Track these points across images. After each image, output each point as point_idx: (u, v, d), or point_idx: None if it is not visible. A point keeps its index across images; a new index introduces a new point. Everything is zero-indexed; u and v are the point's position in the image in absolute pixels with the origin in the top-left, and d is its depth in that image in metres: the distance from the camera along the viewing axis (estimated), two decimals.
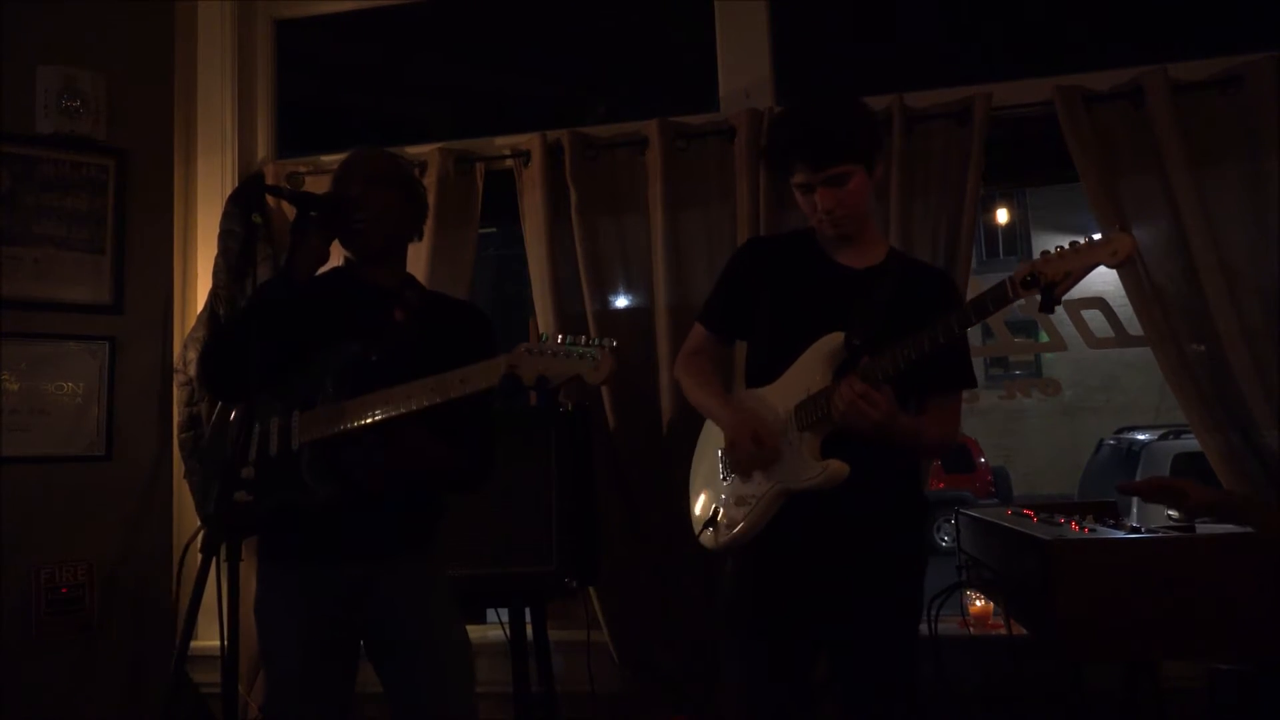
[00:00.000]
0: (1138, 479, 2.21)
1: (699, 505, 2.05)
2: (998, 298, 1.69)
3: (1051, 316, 2.87)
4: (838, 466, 1.81)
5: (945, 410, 1.96)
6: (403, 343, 1.92)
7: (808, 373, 1.89)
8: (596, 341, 1.68)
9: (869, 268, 1.97)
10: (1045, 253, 1.65)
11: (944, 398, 1.96)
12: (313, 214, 1.85)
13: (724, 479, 1.98)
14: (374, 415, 1.79)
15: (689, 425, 2.20)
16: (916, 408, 1.93)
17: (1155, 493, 1.95)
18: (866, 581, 1.88)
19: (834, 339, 1.87)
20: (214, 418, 2.03)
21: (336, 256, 2.01)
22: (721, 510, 1.95)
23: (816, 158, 1.86)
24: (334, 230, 1.91)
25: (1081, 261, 1.62)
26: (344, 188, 1.95)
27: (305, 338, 1.89)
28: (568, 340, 1.69)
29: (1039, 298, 1.65)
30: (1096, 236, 1.66)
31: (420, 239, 2.14)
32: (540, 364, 1.68)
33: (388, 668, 1.95)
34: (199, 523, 3.05)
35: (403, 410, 1.77)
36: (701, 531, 1.98)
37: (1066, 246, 1.64)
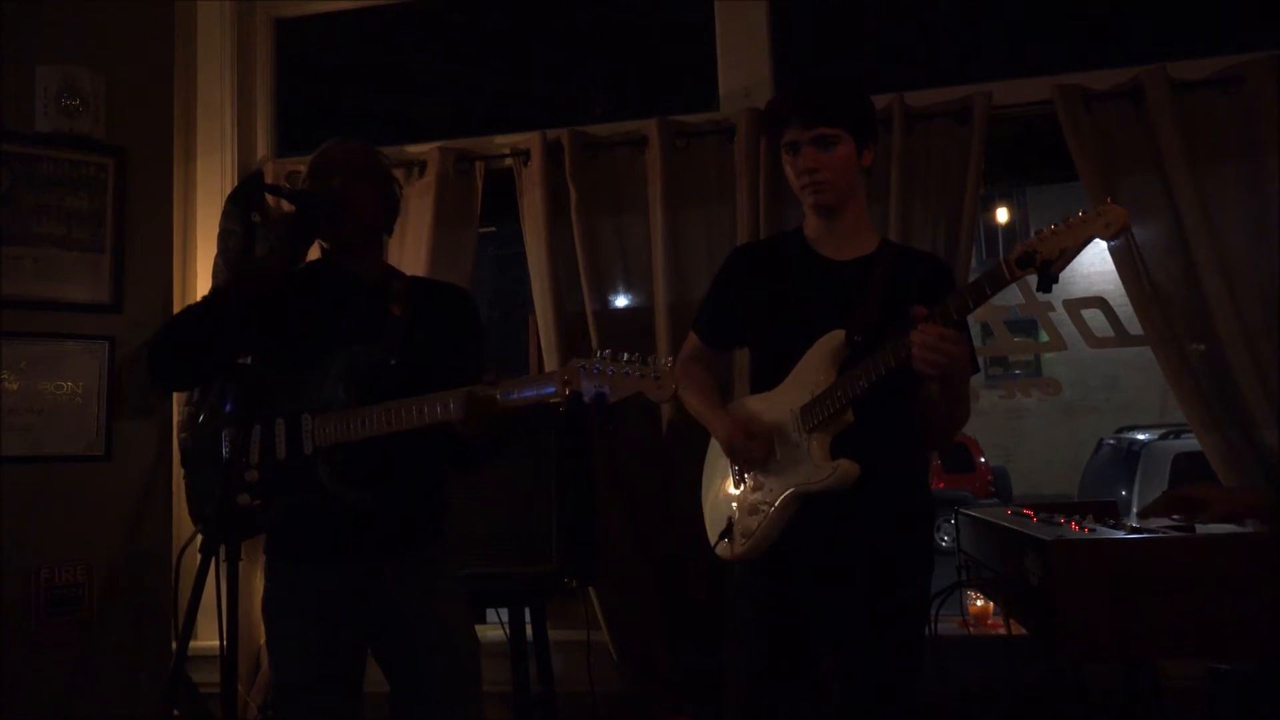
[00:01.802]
0: (1137, 482, 2.20)
1: (712, 518, 2.04)
2: (995, 280, 1.67)
3: (1052, 316, 2.90)
4: (848, 466, 1.80)
5: None
6: (410, 341, 1.91)
7: (811, 373, 1.88)
8: (653, 360, 1.66)
9: (858, 258, 1.96)
10: (1039, 231, 1.63)
11: None
12: (312, 213, 1.84)
13: (735, 489, 1.97)
14: (407, 420, 1.76)
15: (689, 425, 2.20)
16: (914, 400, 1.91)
17: (1173, 507, 1.93)
18: (871, 582, 1.87)
19: (835, 337, 1.86)
20: (200, 418, 1.99)
21: (316, 250, 1.99)
22: (736, 521, 1.94)
23: (807, 113, 1.89)
24: (316, 228, 1.89)
25: (1076, 236, 1.59)
26: (324, 180, 1.91)
27: (296, 334, 1.87)
28: (623, 355, 1.67)
29: (1035, 277, 1.62)
30: (1087, 211, 1.62)
31: (391, 234, 2.12)
32: (598, 381, 1.66)
33: (395, 667, 1.94)
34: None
35: (441, 417, 1.74)
36: (717, 544, 1.97)
37: (1060, 224, 1.61)
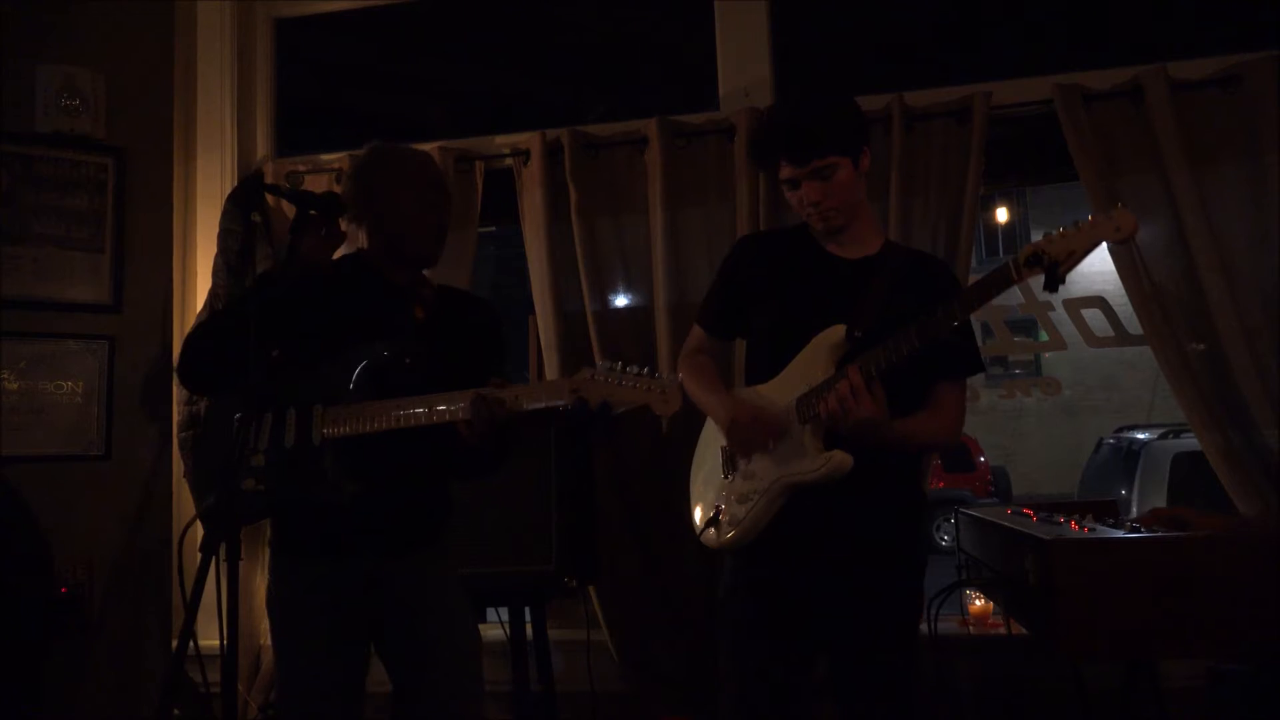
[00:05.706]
0: (1137, 482, 2.21)
1: (700, 505, 2.03)
2: (1001, 280, 1.68)
3: (1051, 316, 2.90)
4: (841, 457, 1.80)
5: (948, 400, 1.92)
6: (428, 343, 1.92)
7: (809, 366, 1.87)
8: (660, 374, 1.69)
9: (864, 258, 1.96)
10: (1049, 233, 1.64)
11: (949, 385, 1.92)
12: (312, 212, 1.85)
13: (725, 477, 1.96)
14: (415, 417, 1.79)
15: (689, 424, 2.19)
16: (921, 397, 1.91)
17: (1156, 525, 1.95)
18: (865, 580, 1.87)
19: (835, 332, 1.86)
20: (209, 407, 2.01)
21: (348, 245, 2.01)
22: (723, 508, 1.93)
23: (796, 151, 1.87)
24: (334, 228, 1.91)
25: (1085, 240, 1.61)
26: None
27: (318, 328, 1.89)
28: (631, 368, 1.69)
29: (1043, 277, 1.64)
30: (1096, 215, 1.64)
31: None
32: (606, 390, 1.68)
33: (398, 662, 1.94)
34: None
35: (448, 417, 1.76)
36: (703, 531, 1.96)
37: (1070, 226, 1.63)
